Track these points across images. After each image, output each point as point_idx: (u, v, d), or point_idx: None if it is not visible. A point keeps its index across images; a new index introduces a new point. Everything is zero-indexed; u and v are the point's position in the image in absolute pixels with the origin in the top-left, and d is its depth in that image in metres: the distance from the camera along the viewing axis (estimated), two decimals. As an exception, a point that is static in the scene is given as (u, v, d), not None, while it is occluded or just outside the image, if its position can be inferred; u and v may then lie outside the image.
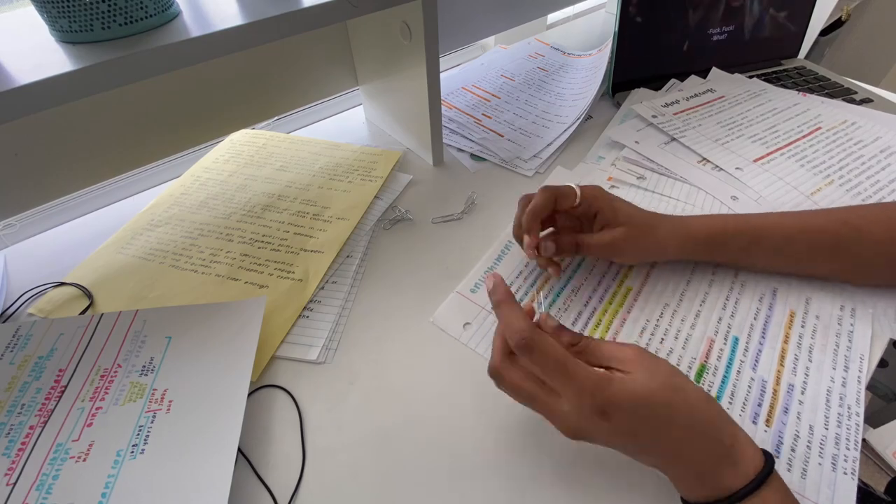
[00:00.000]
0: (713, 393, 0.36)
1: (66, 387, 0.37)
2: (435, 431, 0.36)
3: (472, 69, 0.78)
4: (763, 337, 0.40)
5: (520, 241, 0.43)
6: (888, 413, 0.96)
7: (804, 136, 0.58)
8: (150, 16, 0.35)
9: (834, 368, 0.38)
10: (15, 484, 0.31)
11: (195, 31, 0.35)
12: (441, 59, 0.52)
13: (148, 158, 0.56)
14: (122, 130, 0.52)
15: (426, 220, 0.53)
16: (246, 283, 0.46)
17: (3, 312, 0.44)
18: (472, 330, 0.41)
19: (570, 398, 0.28)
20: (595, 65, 0.72)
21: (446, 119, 0.66)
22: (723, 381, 0.37)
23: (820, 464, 0.33)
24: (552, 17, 0.94)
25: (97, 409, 0.35)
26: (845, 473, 0.32)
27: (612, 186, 0.55)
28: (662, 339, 0.40)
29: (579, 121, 0.63)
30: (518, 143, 0.62)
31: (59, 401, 0.36)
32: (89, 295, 0.45)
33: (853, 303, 0.41)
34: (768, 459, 0.28)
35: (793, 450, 0.34)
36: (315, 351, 0.40)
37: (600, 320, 0.41)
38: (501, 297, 0.33)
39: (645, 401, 0.28)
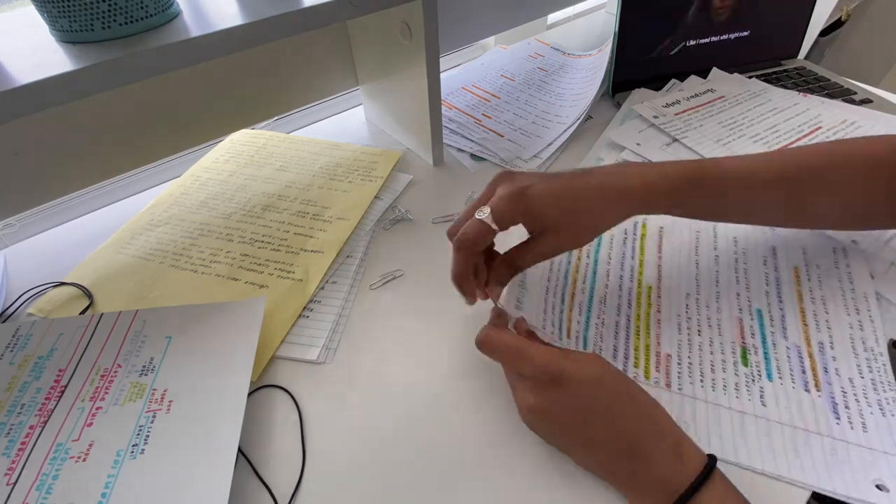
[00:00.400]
0: (762, 374, 0.37)
1: (65, 387, 0.37)
2: (434, 431, 0.36)
3: (472, 69, 0.78)
4: (780, 301, 0.41)
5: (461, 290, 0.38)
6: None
7: (805, 136, 0.58)
8: (151, 15, 0.35)
9: (848, 314, 0.39)
10: (15, 484, 0.31)
11: (195, 31, 0.35)
12: (441, 59, 0.52)
13: (148, 158, 0.56)
14: (122, 130, 0.52)
15: (426, 220, 0.53)
16: (246, 283, 0.46)
17: (2, 312, 0.44)
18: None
19: (529, 371, 0.31)
20: (595, 65, 0.72)
21: (446, 119, 0.66)
22: (766, 360, 0.38)
23: (871, 413, 0.34)
24: (552, 17, 0.94)
25: (97, 408, 0.35)
26: (893, 415, 0.33)
27: None
28: (699, 330, 0.40)
29: (579, 121, 0.63)
30: (518, 144, 0.62)
31: (59, 401, 0.36)
32: (89, 295, 0.45)
33: (839, 242, 0.43)
34: (711, 460, 0.28)
35: (847, 407, 0.34)
36: (315, 351, 0.40)
37: (638, 327, 0.41)
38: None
39: (598, 380, 0.30)
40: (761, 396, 0.36)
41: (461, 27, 0.72)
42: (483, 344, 0.33)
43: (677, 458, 0.28)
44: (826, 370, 0.36)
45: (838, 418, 0.34)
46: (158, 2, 0.35)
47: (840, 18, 1.11)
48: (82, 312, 0.43)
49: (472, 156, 0.61)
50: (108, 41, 0.34)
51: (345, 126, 0.69)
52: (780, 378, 0.36)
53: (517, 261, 0.36)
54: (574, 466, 0.33)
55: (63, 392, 0.36)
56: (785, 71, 0.73)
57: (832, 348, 0.38)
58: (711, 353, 0.38)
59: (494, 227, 0.34)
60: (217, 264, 0.48)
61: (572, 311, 0.42)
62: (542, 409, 0.31)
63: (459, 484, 0.33)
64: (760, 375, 0.37)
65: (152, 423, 0.34)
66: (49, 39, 0.34)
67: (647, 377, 0.37)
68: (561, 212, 0.35)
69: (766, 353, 0.38)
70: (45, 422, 0.35)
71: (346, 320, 0.43)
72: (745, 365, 0.37)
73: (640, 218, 0.50)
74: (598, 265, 0.46)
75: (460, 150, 0.62)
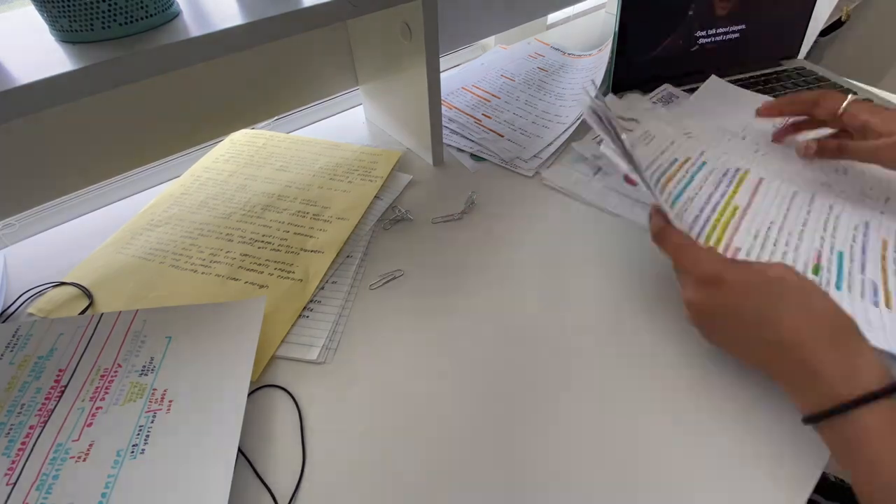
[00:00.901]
0: (832, 284, 0.40)
1: (66, 387, 0.37)
2: (435, 432, 0.36)
3: (472, 69, 0.78)
4: (864, 254, 0.43)
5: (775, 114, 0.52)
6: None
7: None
8: (151, 15, 0.35)
9: None
10: (15, 484, 0.31)
11: (195, 30, 0.35)
12: (441, 59, 0.52)
13: (148, 158, 0.56)
14: (122, 130, 0.52)
15: (426, 220, 0.53)
16: (246, 283, 0.46)
17: (3, 312, 0.44)
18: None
19: (694, 268, 0.34)
20: (595, 65, 0.72)
21: (446, 119, 0.66)
22: (838, 275, 0.41)
23: None
24: (552, 17, 0.94)
25: (97, 408, 0.35)
26: None
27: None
28: (775, 242, 0.44)
29: (579, 121, 0.63)
30: (518, 144, 0.62)
31: (59, 401, 0.36)
32: (89, 295, 0.45)
33: None
34: (891, 387, 0.27)
35: None
36: (315, 351, 0.40)
37: (714, 227, 0.45)
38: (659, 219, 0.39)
39: (761, 273, 0.32)
40: None
41: (461, 27, 0.72)
42: (657, 236, 0.38)
43: (851, 369, 0.28)
44: None
45: None
46: (158, 2, 0.35)
47: (840, 18, 1.10)
48: (82, 312, 0.43)
49: (472, 156, 0.61)
50: (108, 41, 0.34)
51: (345, 126, 0.69)
52: (849, 289, 0.39)
53: (850, 144, 0.47)
54: (580, 471, 0.33)
55: (63, 392, 0.36)
56: (785, 71, 0.73)
57: None
58: (783, 258, 0.42)
59: (845, 101, 0.47)
60: (217, 264, 0.48)
61: (661, 193, 0.44)
62: (701, 305, 0.34)
63: (459, 484, 0.33)
64: (829, 284, 0.40)
65: (152, 423, 0.34)
66: (49, 39, 0.34)
67: None
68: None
69: (839, 272, 0.41)
70: (46, 422, 0.35)
71: (346, 320, 0.43)
72: (816, 273, 0.41)
73: (742, 165, 0.54)
74: (694, 180, 0.51)
75: (460, 150, 0.62)
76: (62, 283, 0.46)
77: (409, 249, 0.49)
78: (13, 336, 0.40)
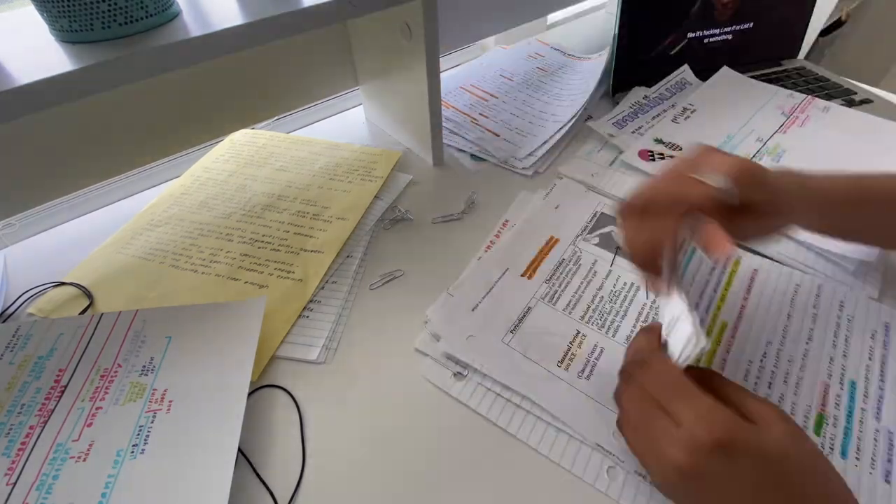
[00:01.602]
0: (836, 449, 0.32)
1: (65, 387, 0.37)
2: (435, 432, 0.36)
3: (471, 69, 0.78)
4: (882, 380, 0.36)
5: (647, 268, 0.32)
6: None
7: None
8: (151, 15, 0.35)
9: None
10: (15, 484, 0.31)
11: (195, 30, 0.35)
12: (441, 59, 0.51)
13: (148, 158, 0.56)
14: (123, 130, 0.52)
15: (426, 220, 0.53)
16: (246, 282, 0.46)
17: (3, 312, 0.44)
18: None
19: (690, 422, 0.24)
20: (596, 67, 0.72)
21: (443, 118, 0.66)
22: (845, 435, 0.33)
23: None
24: (552, 17, 0.94)
25: (97, 408, 0.35)
26: None
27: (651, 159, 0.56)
28: (770, 383, 0.35)
29: (576, 119, 0.63)
30: (513, 143, 0.62)
31: (59, 401, 0.36)
32: (89, 295, 0.45)
33: None
34: None
35: None
36: (315, 351, 0.40)
37: (698, 362, 0.36)
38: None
39: (782, 457, 0.23)
40: None
41: (461, 27, 0.72)
42: (644, 361, 0.28)
43: None
44: None
45: None
46: (158, 2, 0.35)
47: (840, 18, 1.11)
48: (82, 312, 0.43)
49: (472, 156, 0.61)
50: (108, 41, 0.34)
51: (345, 126, 0.69)
52: (857, 459, 0.32)
53: (735, 233, 0.29)
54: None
55: (63, 392, 0.36)
56: (785, 71, 0.72)
57: None
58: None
59: (728, 191, 0.29)
60: (217, 264, 0.48)
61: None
62: (692, 471, 0.24)
63: (460, 484, 0.33)
64: (833, 449, 0.32)
65: (152, 423, 0.34)
66: (49, 39, 0.34)
67: None
68: (796, 198, 0.32)
69: (847, 428, 0.33)
70: (46, 422, 0.35)
71: (346, 320, 0.43)
72: (818, 433, 0.33)
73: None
74: (689, 264, 0.43)
75: (460, 150, 0.62)
76: (62, 283, 0.46)
77: (409, 249, 0.49)
78: (13, 336, 0.40)
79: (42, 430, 0.34)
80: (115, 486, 0.31)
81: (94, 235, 0.52)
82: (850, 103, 0.64)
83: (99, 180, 0.54)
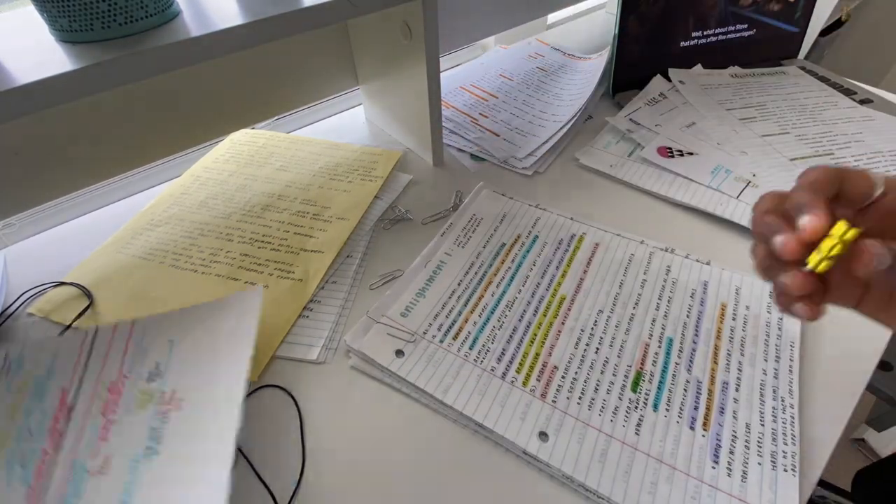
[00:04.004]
0: (649, 403, 0.35)
1: (73, 406, 0.36)
2: (435, 431, 0.36)
3: (471, 69, 0.78)
4: (696, 335, 0.40)
5: (768, 273, 0.27)
6: (893, 417, 0.96)
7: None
8: (151, 15, 0.35)
9: (766, 360, 0.38)
10: None
11: (195, 30, 0.35)
12: (441, 59, 0.52)
13: (148, 158, 0.56)
14: (122, 130, 0.52)
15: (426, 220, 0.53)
16: (246, 282, 0.46)
17: (2, 312, 0.44)
18: (405, 359, 0.39)
19: None
20: (596, 67, 0.72)
21: (443, 118, 0.66)
22: (658, 388, 0.36)
23: (759, 463, 0.32)
24: (552, 17, 0.94)
25: (109, 422, 0.35)
26: (786, 470, 0.32)
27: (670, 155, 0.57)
28: (598, 348, 0.39)
29: (576, 119, 0.63)
30: (513, 143, 0.62)
31: (68, 421, 0.35)
32: (89, 295, 0.45)
33: None
34: None
35: (731, 452, 0.33)
36: (315, 351, 0.40)
37: (535, 335, 0.40)
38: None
39: None
40: (638, 424, 0.34)
41: (461, 27, 0.72)
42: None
43: None
44: (722, 411, 0.35)
45: (716, 462, 0.32)
46: (158, 2, 0.35)
47: (840, 18, 1.10)
48: (82, 312, 0.43)
49: (472, 156, 0.61)
50: (108, 41, 0.34)
51: (345, 126, 0.69)
52: (666, 410, 0.35)
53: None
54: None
55: (71, 411, 0.36)
56: (785, 71, 0.72)
57: (737, 390, 0.36)
58: (602, 372, 0.37)
59: (877, 181, 0.24)
60: (217, 264, 0.48)
61: (472, 313, 0.42)
62: None
63: (459, 484, 0.33)
64: (646, 404, 0.35)
65: (164, 423, 0.34)
66: (49, 39, 0.34)
67: (525, 384, 0.37)
68: None
69: (661, 382, 0.37)
70: (59, 444, 0.34)
71: (346, 320, 0.43)
72: (634, 391, 0.36)
73: (578, 230, 0.49)
74: (520, 270, 0.45)
75: (460, 150, 0.62)
76: (62, 283, 0.46)
77: (409, 249, 0.49)
78: (3, 361, 0.39)
79: (57, 453, 0.34)
80: (134, 492, 0.31)
81: (94, 235, 0.52)
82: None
83: (99, 180, 0.54)
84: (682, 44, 0.69)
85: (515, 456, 0.34)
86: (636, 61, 0.68)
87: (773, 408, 0.35)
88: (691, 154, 0.57)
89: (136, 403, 0.36)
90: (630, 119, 0.62)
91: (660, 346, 0.39)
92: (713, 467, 0.32)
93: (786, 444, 0.33)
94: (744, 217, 0.49)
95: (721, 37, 0.70)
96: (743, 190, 0.52)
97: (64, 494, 0.32)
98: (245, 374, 0.35)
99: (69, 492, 0.32)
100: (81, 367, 0.38)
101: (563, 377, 0.37)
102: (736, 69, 0.71)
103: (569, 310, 0.42)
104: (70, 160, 0.51)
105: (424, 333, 0.40)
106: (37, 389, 0.37)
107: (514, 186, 0.56)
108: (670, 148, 0.58)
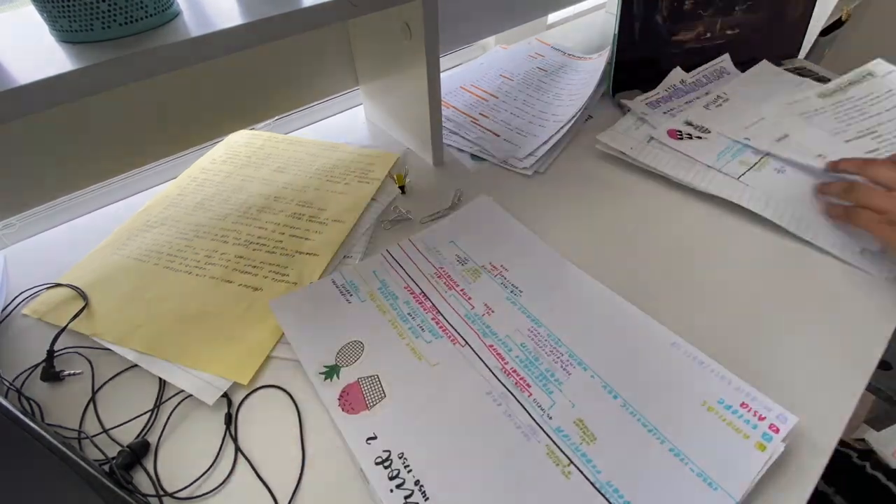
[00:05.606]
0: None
1: (423, 292, 0.44)
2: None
3: (471, 69, 0.78)
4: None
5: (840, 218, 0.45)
6: (893, 417, 0.96)
7: None
8: (150, 15, 0.35)
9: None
10: (466, 344, 0.40)
11: (195, 30, 0.35)
12: (441, 59, 0.51)
13: (148, 158, 0.56)
14: (122, 130, 0.52)
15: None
16: (240, 285, 0.46)
17: (2, 311, 0.44)
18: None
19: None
20: (596, 67, 0.72)
21: (444, 118, 0.66)
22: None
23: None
24: (552, 17, 0.94)
25: (461, 290, 0.44)
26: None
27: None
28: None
29: (576, 119, 0.63)
30: (514, 143, 0.62)
31: (429, 299, 0.43)
32: (84, 296, 0.45)
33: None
34: None
35: None
36: (315, 351, 0.40)
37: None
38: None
39: None
40: None
41: (461, 27, 0.72)
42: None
43: None
44: None
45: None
46: (158, 2, 0.35)
47: (840, 18, 1.10)
48: (77, 314, 0.43)
49: (473, 156, 0.61)
50: (108, 41, 0.34)
51: (345, 126, 0.69)
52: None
53: None
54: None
55: (425, 294, 0.44)
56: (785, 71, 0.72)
57: None
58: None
59: None
60: (212, 266, 0.47)
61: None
62: None
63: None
64: None
65: (506, 278, 0.44)
66: (49, 39, 0.34)
67: None
68: None
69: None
70: (436, 310, 0.42)
71: (346, 321, 0.43)
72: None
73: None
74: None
75: (460, 150, 0.62)
76: (57, 285, 0.46)
77: (409, 250, 0.49)
78: (339, 289, 0.44)
79: (440, 315, 0.42)
80: (528, 310, 0.42)
81: (93, 235, 0.52)
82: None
83: (98, 180, 0.54)
84: (683, 44, 0.69)
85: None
86: (636, 61, 0.68)
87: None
88: (700, 138, 0.58)
89: (470, 278, 0.45)
90: (646, 104, 0.64)
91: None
92: None
93: None
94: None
95: (721, 37, 0.70)
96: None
97: (483, 333, 0.40)
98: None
99: (481, 330, 0.40)
100: (404, 274, 0.45)
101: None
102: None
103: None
104: (70, 160, 0.51)
105: None
106: (384, 293, 0.44)
107: (514, 186, 0.56)
108: (680, 131, 0.59)
